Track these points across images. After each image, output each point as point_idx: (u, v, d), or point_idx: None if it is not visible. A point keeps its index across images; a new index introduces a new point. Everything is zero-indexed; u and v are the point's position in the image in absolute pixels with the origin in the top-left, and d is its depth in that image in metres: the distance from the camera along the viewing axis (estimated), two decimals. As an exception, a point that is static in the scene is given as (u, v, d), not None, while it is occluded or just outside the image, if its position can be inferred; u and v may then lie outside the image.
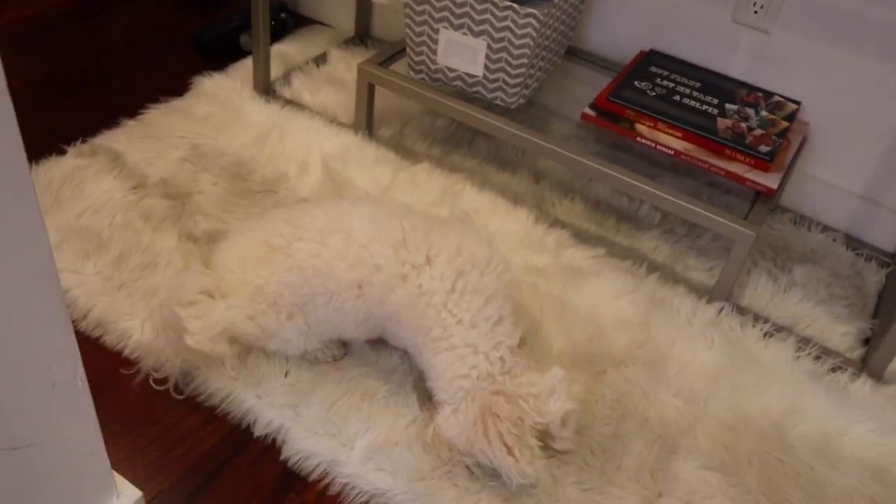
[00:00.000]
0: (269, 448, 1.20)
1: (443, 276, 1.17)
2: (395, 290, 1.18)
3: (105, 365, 1.28)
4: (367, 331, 1.26)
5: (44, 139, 1.65)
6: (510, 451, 1.10)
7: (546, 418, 1.13)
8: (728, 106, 1.59)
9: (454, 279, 1.17)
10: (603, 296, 1.46)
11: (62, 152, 1.64)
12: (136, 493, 1.02)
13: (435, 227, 1.23)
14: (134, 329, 1.31)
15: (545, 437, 1.17)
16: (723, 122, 1.54)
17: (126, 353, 1.29)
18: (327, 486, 1.17)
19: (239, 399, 1.24)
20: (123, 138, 1.69)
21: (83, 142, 1.67)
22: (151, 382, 1.26)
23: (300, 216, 1.24)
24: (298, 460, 1.19)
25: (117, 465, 1.08)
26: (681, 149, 1.50)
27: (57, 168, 1.59)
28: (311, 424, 1.21)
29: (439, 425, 1.18)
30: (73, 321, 1.28)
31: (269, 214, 1.32)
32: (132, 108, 1.77)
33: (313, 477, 1.18)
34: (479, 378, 1.15)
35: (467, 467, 1.18)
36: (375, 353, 1.33)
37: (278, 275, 1.20)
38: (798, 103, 1.62)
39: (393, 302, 1.19)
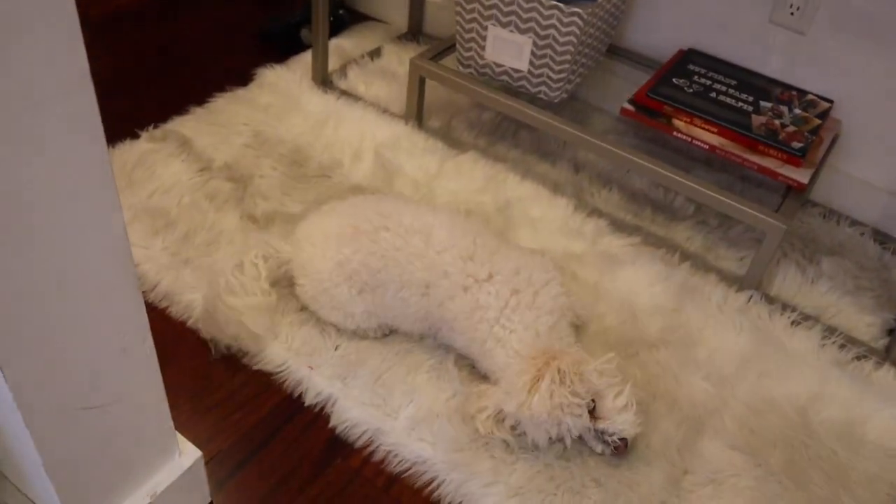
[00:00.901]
0: (319, 416, 1.21)
1: (498, 294, 1.19)
2: (455, 298, 1.21)
3: (171, 334, 1.30)
4: (422, 327, 1.28)
5: (120, 124, 1.67)
6: (534, 382, 1.10)
7: (600, 386, 1.13)
8: (763, 103, 1.55)
9: (508, 297, 1.19)
10: (637, 282, 1.45)
11: (136, 136, 1.66)
12: (196, 452, 1.03)
13: (502, 247, 1.26)
14: (198, 302, 1.33)
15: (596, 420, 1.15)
16: (757, 119, 1.51)
17: (190, 323, 1.31)
18: (372, 454, 1.17)
19: (292, 370, 1.25)
20: (192, 125, 1.70)
21: (155, 127, 1.69)
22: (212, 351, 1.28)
23: (389, 210, 1.27)
24: (346, 428, 1.20)
25: (180, 426, 1.09)
26: (716, 144, 1.48)
27: (131, 151, 1.61)
28: (358, 395, 1.22)
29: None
30: (142, 293, 1.30)
31: (354, 199, 1.35)
32: (200, 96, 1.78)
33: (359, 444, 1.18)
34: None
35: (504, 441, 1.17)
36: (420, 331, 1.33)
37: (361, 256, 1.23)
38: (831, 101, 1.58)
39: (451, 309, 1.22)
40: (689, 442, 1.21)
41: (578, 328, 1.34)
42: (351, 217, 1.27)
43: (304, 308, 1.33)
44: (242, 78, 1.86)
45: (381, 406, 1.21)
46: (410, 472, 1.15)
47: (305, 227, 1.31)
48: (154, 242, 1.42)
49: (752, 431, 1.23)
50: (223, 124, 1.71)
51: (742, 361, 1.33)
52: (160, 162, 1.59)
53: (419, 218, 1.26)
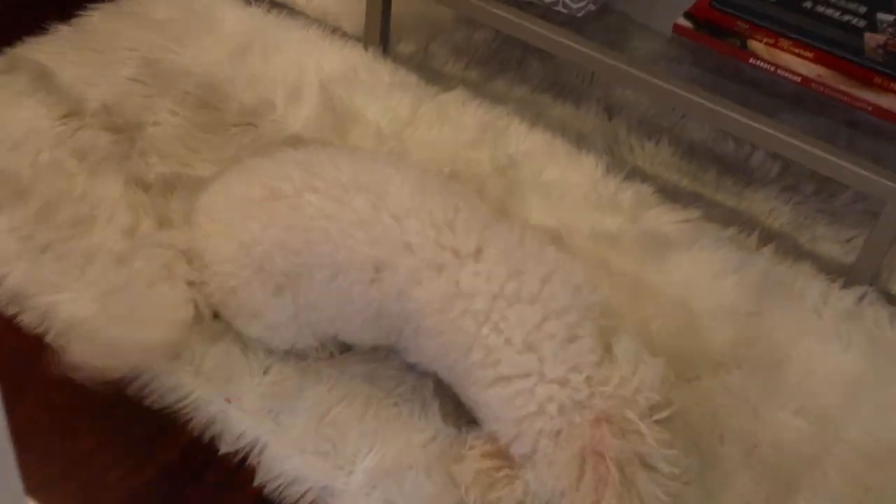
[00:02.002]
0: (241, 469, 1.20)
1: (490, 275, 1.14)
2: (423, 283, 1.16)
3: (22, 354, 1.28)
4: (376, 334, 1.25)
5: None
6: None
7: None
8: (881, 16, 1.55)
9: (504, 279, 1.14)
10: (698, 275, 1.44)
11: (-31, 66, 1.65)
12: (57, 527, 1.00)
13: (504, 221, 1.22)
14: (63, 305, 1.31)
15: None
16: (872, 39, 1.51)
17: (51, 337, 1.29)
18: (317, 523, 1.17)
19: (201, 402, 1.24)
20: (53, 49, 1.68)
21: (-1, 53, 1.68)
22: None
23: (322, 162, 1.24)
24: (279, 486, 1.18)
25: (34, 492, 1.08)
26: (811, 75, 1.48)
27: (-39, 88, 1.60)
28: (296, 439, 1.21)
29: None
30: (-23, 293, 1.30)
31: (281, 154, 1.33)
32: (65, 7, 1.76)
33: (298, 509, 1.18)
34: (561, 413, 1.10)
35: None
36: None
37: (274, 231, 1.20)
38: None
39: (416, 299, 1.16)
40: (775, 505, 1.21)
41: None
42: (269, 175, 1.25)
43: (219, 314, 1.32)
44: (128, -18, 1.83)
45: (330, 454, 1.20)
46: (372, 550, 1.15)
47: (208, 195, 1.30)
48: (-3, 220, 1.42)
49: (868, 490, 1.23)
50: (99, 49, 1.69)
51: (851, 388, 1.33)
52: (6, 103, 1.58)
53: (371, 172, 1.23)
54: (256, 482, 1.18)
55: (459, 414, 1.24)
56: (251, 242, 1.20)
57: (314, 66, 1.70)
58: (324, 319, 1.24)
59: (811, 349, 1.37)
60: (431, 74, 1.73)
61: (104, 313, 1.26)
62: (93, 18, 1.75)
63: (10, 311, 1.31)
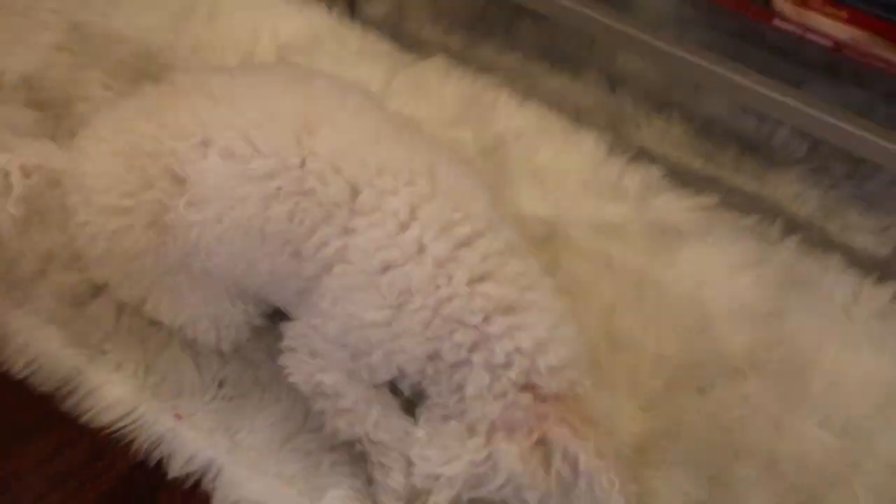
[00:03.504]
0: (192, 496, 1.25)
1: (420, 233, 1.10)
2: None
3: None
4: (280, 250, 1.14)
5: None
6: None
7: None
8: None
9: (438, 235, 1.10)
10: (712, 270, 1.51)
11: None
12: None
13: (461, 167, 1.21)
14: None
15: None
16: None
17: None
18: (281, 558, 1.22)
19: (146, 420, 1.29)
20: (-39, 12, 1.71)
21: None
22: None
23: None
24: None
25: None
26: (845, 38, 1.47)
27: None
28: (258, 461, 1.27)
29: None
30: None
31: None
32: (-25, -35, 1.78)
33: (261, 540, 1.22)
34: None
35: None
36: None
37: (159, 118, 1.12)
38: None
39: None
40: (797, 528, 1.27)
41: (617, 350, 1.40)
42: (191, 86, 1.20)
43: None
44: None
45: (296, 479, 1.25)
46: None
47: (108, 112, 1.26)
48: None
49: (901, 509, 1.29)
50: (19, 12, 1.73)
51: (885, 398, 1.40)
52: None
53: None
54: (213, 510, 1.23)
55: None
56: (133, 146, 1.11)
57: (269, 31, 1.74)
58: (223, 265, 1.15)
59: (839, 353, 1.42)
60: (406, 40, 1.77)
61: None
62: (8, -24, 1.77)
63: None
